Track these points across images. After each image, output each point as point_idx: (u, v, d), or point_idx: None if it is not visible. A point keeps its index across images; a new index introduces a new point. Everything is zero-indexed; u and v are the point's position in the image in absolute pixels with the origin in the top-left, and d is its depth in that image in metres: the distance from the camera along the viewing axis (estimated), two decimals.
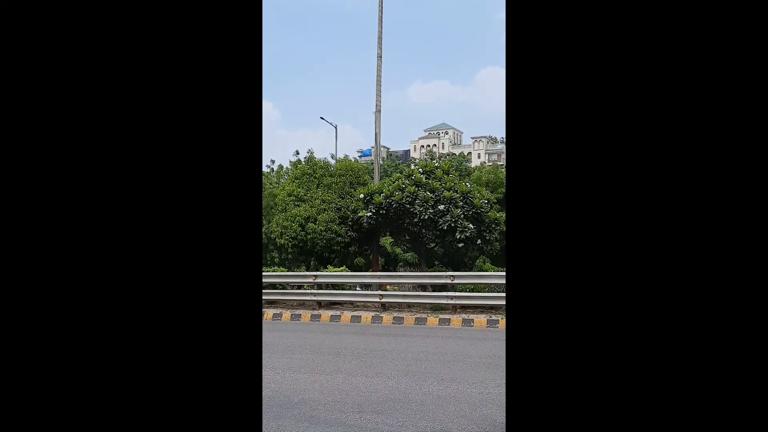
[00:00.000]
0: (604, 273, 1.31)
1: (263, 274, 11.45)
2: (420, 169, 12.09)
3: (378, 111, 12.85)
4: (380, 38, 12.88)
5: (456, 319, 9.85)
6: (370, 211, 11.17)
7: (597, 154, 1.34)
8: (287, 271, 12.01)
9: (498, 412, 3.84)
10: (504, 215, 11.92)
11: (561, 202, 1.35)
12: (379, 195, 11.18)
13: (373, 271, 12.09)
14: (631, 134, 1.32)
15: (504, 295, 10.04)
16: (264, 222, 13.36)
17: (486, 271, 11.58)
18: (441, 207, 10.81)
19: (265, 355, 6.02)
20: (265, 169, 19.91)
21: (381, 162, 14.52)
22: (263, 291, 11.10)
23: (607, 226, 1.32)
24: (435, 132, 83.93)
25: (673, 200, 1.29)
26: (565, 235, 1.35)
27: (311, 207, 11.53)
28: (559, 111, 1.36)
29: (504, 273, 11.00)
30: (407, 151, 71.72)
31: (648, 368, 1.28)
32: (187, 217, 1.43)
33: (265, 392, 4.27)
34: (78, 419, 1.37)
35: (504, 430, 3.08)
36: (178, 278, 1.42)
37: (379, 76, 12.98)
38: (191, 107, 1.44)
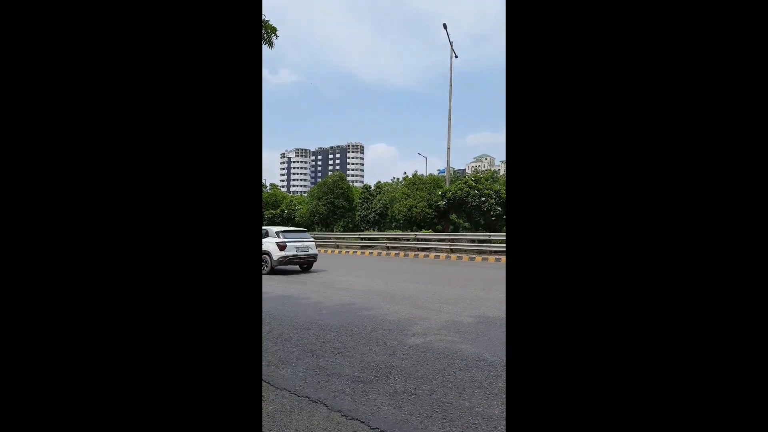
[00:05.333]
0: (600, 271, 1.28)
1: (396, 234, 21.30)
2: (472, 179, 21.80)
3: (448, 148, 22.74)
4: (450, 109, 22.76)
5: (492, 258, 16.55)
6: (444, 201, 21.04)
7: (588, 152, 1.30)
8: (401, 232, 21.97)
9: (488, 307, 6.69)
10: None
11: (558, 202, 1.32)
12: (449, 192, 20.88)
13: (445, 232, 21.59)
14: (621, 132, 1.28)
15: None
16: (389, 206, 23.75)
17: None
18: (482, 198, 20.41)
19: (383, 274, 11.11)
20: (391, 180, 31.85)
21: (450, 175, 24.16)
22: (394, 240, 20.81)
23: (602, 222, 1.29)
24: (480, 157, 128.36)
25: (657, 202, 1.25)
26: (562, 233, 1.31)
27: (413, 200, 21.78)
28: (552, 111, 1.34)
29: None
30: (464, 169, 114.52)
31: (648, 365, 1.23)
32: (188, 216, 1.41)
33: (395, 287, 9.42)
34: (78, 418, 1.33)
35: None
36: (179, 277, 1.39)
37: (449, 129, 22.81)
38: (195, 109, 1.42)
